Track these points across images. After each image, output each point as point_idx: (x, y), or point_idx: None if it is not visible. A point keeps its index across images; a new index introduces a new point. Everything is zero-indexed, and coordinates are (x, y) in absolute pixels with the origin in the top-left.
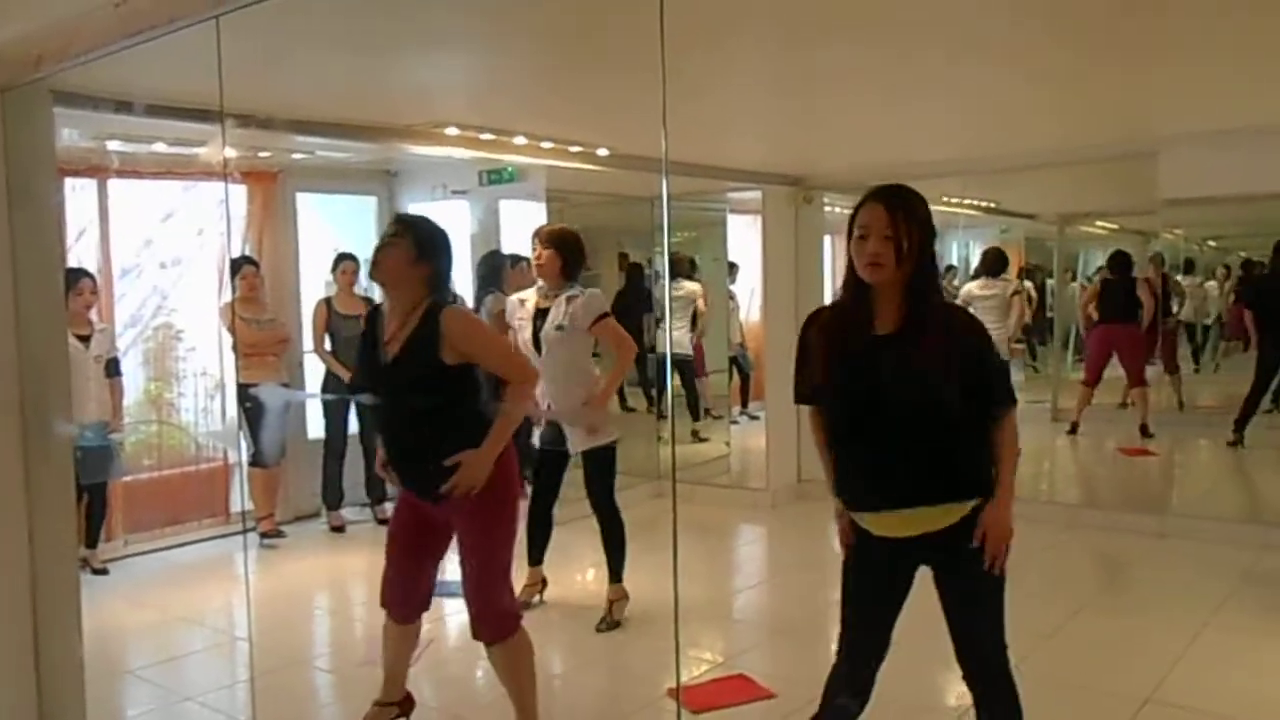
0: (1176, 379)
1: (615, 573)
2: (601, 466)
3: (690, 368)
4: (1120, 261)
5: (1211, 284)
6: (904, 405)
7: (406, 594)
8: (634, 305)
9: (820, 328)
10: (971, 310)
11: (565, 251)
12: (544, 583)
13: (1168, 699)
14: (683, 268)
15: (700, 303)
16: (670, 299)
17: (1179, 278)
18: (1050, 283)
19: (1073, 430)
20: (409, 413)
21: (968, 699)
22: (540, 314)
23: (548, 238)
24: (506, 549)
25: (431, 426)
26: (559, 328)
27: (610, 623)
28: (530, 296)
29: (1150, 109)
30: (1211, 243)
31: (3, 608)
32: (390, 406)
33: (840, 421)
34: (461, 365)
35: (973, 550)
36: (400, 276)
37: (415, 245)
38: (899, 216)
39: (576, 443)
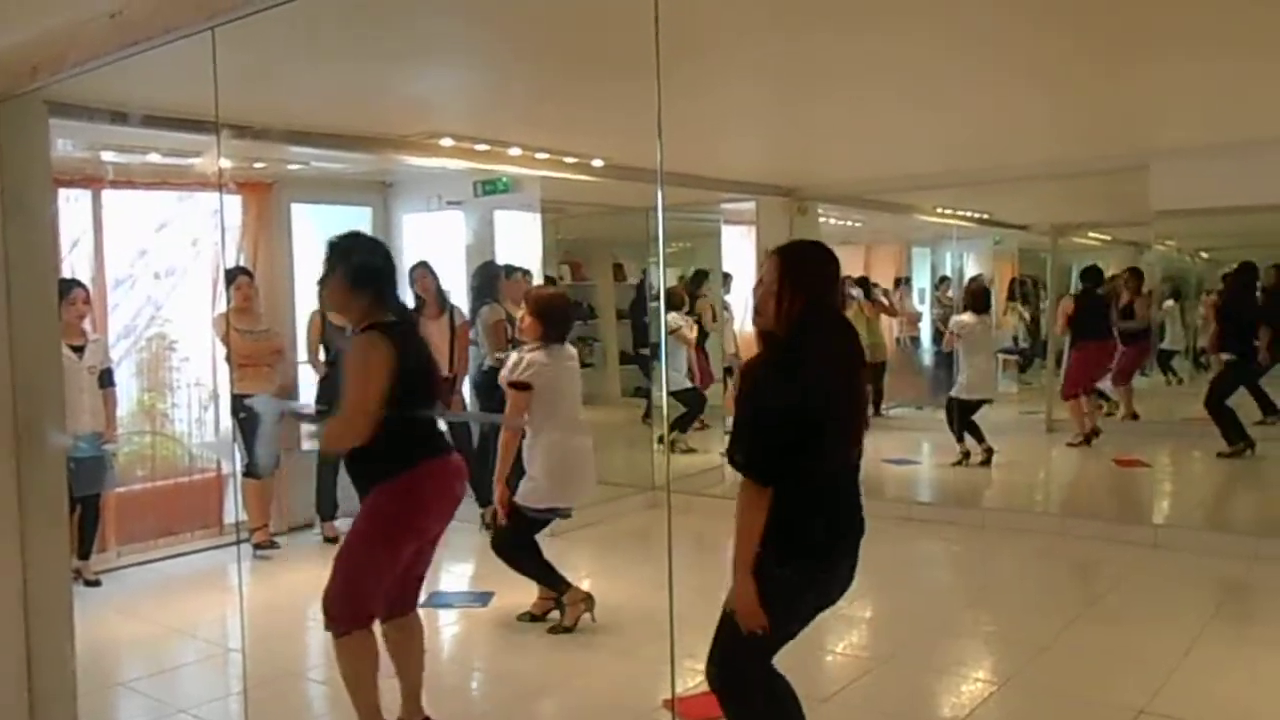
0: (1127, 391)
1: (555, 586)
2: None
3: (694, 397)
4: (1090, 278)
5: (1210, 296)
6: None
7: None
8: (640, 321)
9: None
10: (960, 339)
11: (546, 320)
12: (589, 600)
13: (1162, 710)
14: (677, 300)
15: (685, 331)
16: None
17: (1168, 303)
18: (1044, 301)
19: (1087, 441)
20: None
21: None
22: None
23: (533, 304)
24: (365, 554)
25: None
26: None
27: (561, 628)
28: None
29: (1141, 122)
30: (1204, 254)
31: None
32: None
33: None
34: None
35: None
36: (342, 306)
37: (348, 277)
38: (786, 275)
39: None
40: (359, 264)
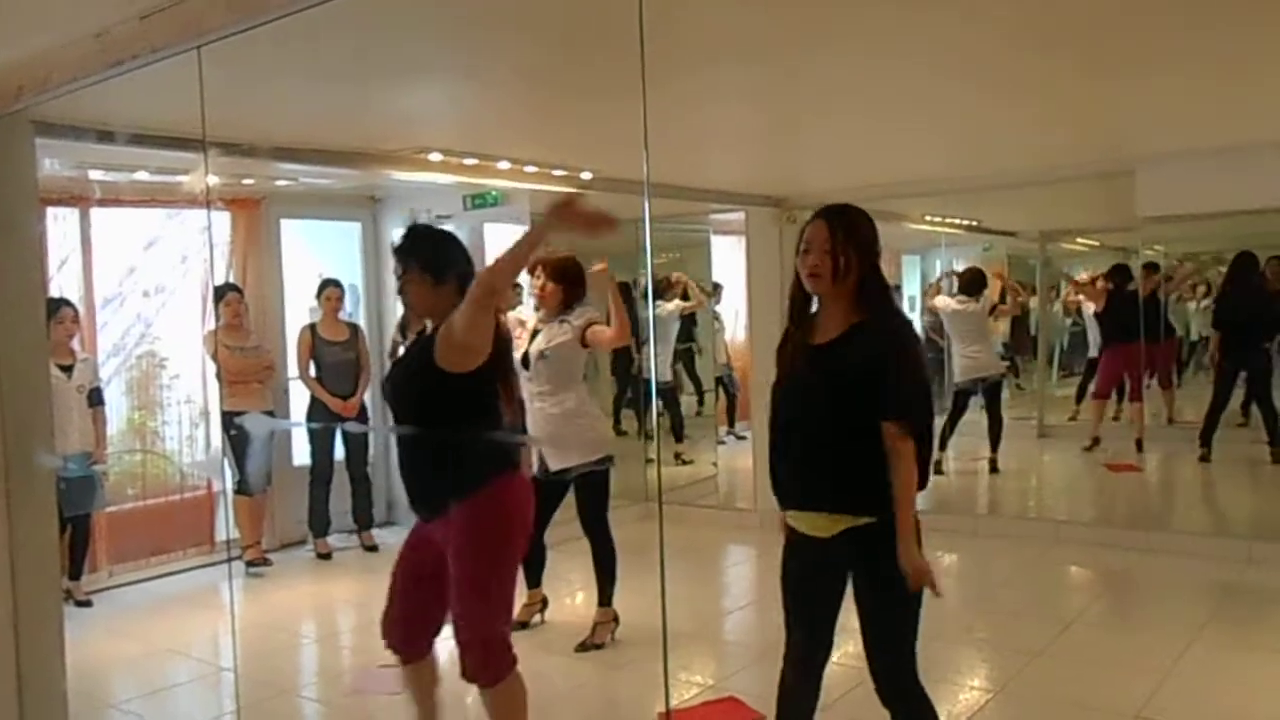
0: (1170, 394)
1: (604, 596)
2: (595, 491)
3: (672, 394)
4: (1122, 275)
5: (1192, 304)
6: (822, 412)
7: (410, 630)
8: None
9: (783, 336)
10: (947, 325)
11: (568, 283)
12: (544, 603)
13: (1156, 715)
14: (664, 286)
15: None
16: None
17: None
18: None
19: (1094, 445)
20: (410, 423)
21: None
22: (534, 335)
23: (553, 271)
24: (503, 579)
25: (430, 438)
26: (543, 355)
27: (591, 645)
28: (530, 316)
29: (1128, 127)
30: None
31: None
32: (396, 417)
33: (774, 421)
34: (461, 376)
35: (885, 566)
36: (434, 307)
37: (428, 270)
38: (839, 234)
39: (566, 458)
40: (438, 257)
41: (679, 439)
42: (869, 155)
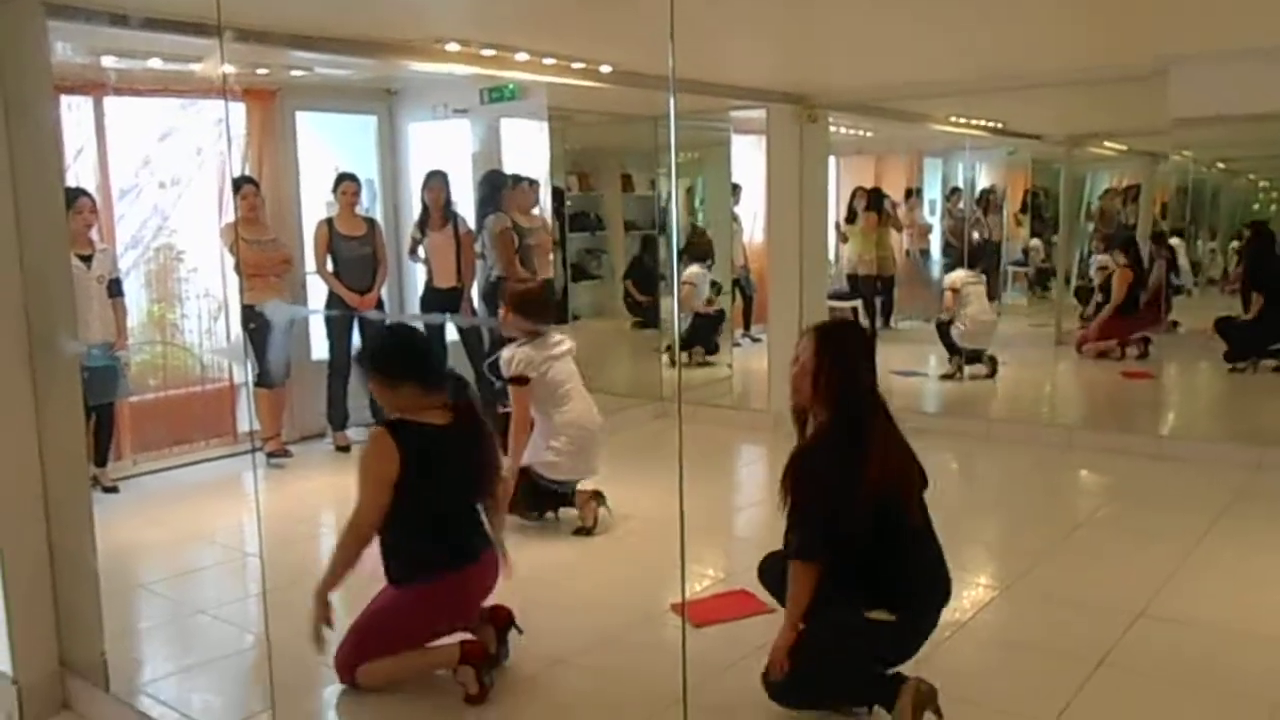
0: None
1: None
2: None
3: (713, 325)
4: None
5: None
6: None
7: None
8: (646, 275)
9: None
10: (961, 295)
11: (524, 313)
12: (598, 495)
13: (1160, 613)
14: (701, 250)
15: (690, 289)
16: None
17: (1174, 240)
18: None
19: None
20: None
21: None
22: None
23: (512, 299)
24: (393, 623)
25: None
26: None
27: (582, 530)
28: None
29: (1161, 26)
30: (1221, 164)
31: (18, 523)
32: None
33: None
34: None
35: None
36: (386, 403)
37: (381, 373)
38: (825, 358)
39: None
40: (388, 360)
41: (709, 351)
42: (894, 53)
